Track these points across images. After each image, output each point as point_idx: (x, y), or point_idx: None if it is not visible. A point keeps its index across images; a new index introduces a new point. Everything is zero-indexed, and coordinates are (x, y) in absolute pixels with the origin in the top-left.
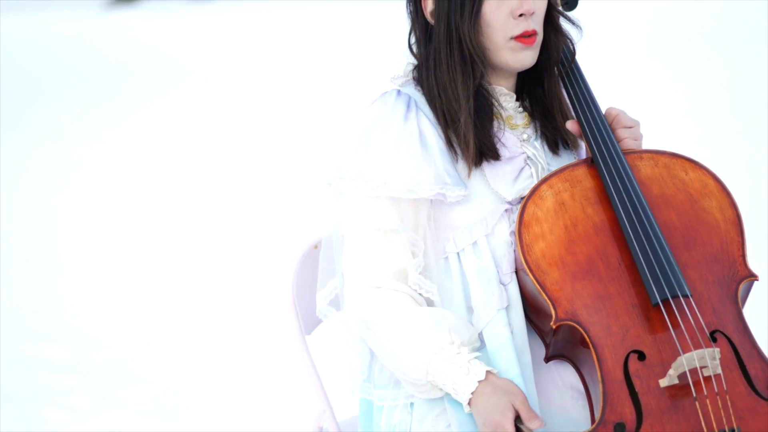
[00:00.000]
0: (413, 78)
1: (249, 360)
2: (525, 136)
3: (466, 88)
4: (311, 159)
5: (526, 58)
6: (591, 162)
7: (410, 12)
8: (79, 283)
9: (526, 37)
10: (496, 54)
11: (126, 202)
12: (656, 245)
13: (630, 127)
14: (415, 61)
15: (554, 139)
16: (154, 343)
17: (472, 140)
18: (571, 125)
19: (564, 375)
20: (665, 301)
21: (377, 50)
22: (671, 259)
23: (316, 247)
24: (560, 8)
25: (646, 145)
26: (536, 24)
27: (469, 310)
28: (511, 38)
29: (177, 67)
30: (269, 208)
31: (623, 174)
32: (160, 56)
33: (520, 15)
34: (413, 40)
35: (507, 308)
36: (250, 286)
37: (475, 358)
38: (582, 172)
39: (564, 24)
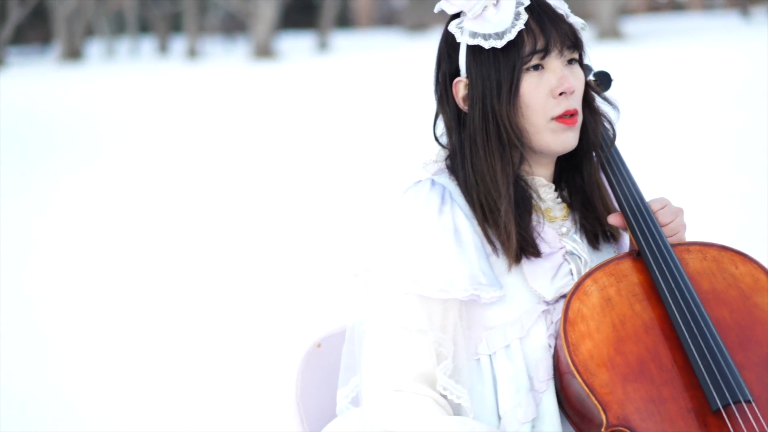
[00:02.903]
0: (447, 166)
1: None
2: (564, 230)
3: (505, 175)
4: (312, 251)
5: (569, 139)
6: (636, 255)
7: (439, 98)
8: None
9: (567, 117)
10: (536, 136)
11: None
12: (713, 346)
13: (673, 221)
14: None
15: (594, 231)
16: None
17: (514, 232)
18: (614, 219)
19: None
20: (726, 407)
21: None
22: (730, 361)
23: (319, 345)
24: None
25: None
26: (576, 103)
27: (500, 417)
28: (552, 119)
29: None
30: (268, 302)
31: (673, 268)
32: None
33: (561, 94)
34: (440, 130)
35: (538, 420)
36: (250, 387)
37: None
38: (627, 266)
39: (601, 105)
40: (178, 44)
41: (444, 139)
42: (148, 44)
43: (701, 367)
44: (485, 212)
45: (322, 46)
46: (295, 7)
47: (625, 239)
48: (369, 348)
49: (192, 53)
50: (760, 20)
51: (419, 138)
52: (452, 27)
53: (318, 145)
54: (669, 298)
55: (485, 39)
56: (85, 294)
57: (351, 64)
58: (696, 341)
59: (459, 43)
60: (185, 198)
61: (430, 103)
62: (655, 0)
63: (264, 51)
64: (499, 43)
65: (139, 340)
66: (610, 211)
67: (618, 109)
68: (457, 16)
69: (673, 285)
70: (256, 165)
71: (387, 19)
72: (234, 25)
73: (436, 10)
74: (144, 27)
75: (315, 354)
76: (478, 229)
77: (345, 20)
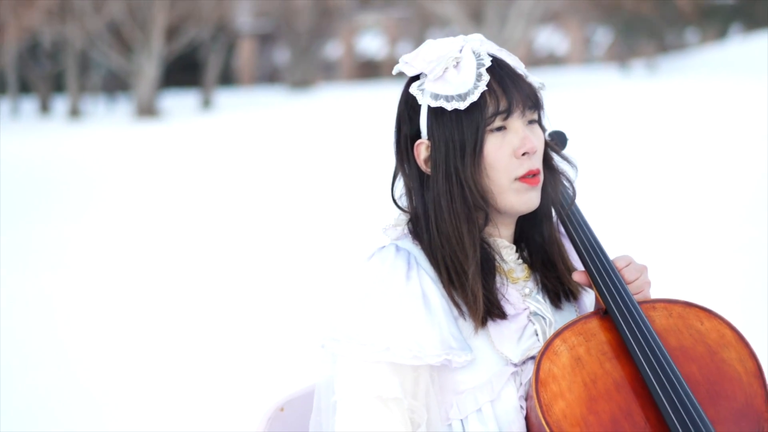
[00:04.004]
0: (409, 231)
1: None
2: (527, 290)
3: (472, 237)
4: (274, 315)
5: (532, 199)
6: (603, 313)
7: (399, 161)
8: None
9: (530, 177)
10: (500, 197)
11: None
12: (687, 402)
13: (638, 278)
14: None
15: (556, 291)
16: None
17: (481, 295)
18: (578, 277)
19: None
20: None
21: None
22: (704, 417)
23: (282, 409)
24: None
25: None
26: (538, 163)
27: None
28: (516, 179)
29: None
30: (228, 365)
31: (642, 326)
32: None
33: (523, 154)
34: (399, 192)
35: None
36: None
37: None
38: (595, 325)
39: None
40: (60, 104)
41: (402, 201)
42: (29, 104)
43: (676, 424)
44: (451, 275)
45: (206, 104)
46: (177, 66)
47: (585, 298)
48: (343, 419)
49: (74, 113)
50: (639, 73)
51: (309, 194)
52: (413, 89)
53: (206, 204)
54: (640, 356)
55: (447, 101)
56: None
57: (235, 122)
58: (669, 398)
59: (420, 105)
60: (84, 262)
61: (317, 158)
62: (534, 54)
63: (147, 110)
64: (462, 105)
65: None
66: (570, 269)
67: (576, 168)
68: (416, 78)
69: (643, 343)
70: (148, 224)
71: (270, 76)
72: (116, 84)
73: (394, 72)
74: (25, 87)
75: (278, 418)
76: (444, 292)
77: (228, 78)
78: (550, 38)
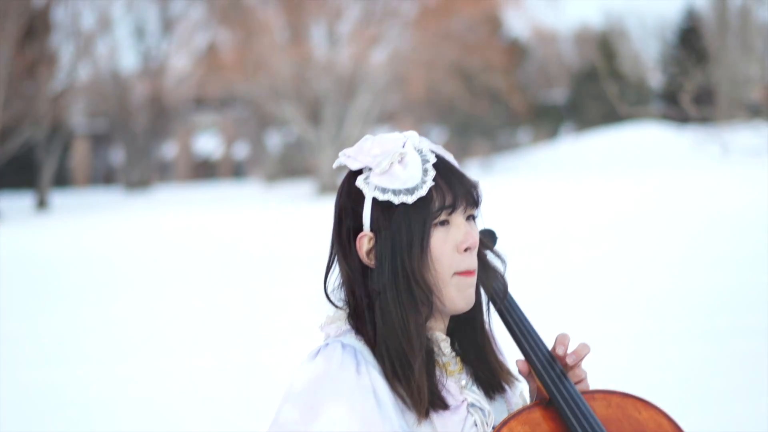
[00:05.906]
0: (351, 326)
1: None
2: (463, 382)
3: (418, 329)
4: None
5: (471, 295)
6: (547, 403)
7: (342, 254)
8: None
9: (470, 273)
10: (443, 291)
11: None
12: None
13: (576, 365)
14: (339, 305)
15: (490, 383)
16: None
17: (426, 388)
18: (521, 366)
19: None
20: None
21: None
22: None
23: None
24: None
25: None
26: (476, 259)
27: None
28: (455, 274)
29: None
30: None
31: (588, 416)
32: None
33: (466, 249)
34: (332, 287)
35: None
36: None
37: None
38: (538, 415)
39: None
40: None
41: (334, 296)
42: None
43: None
44: (396, 367)
45: (41, 205)
46: (11, 167)
47: (510, 390)
48: None
49: None
50: (474, 172)
51: (155, 294)
52: (359, 182)
53: (42, 308)
54: None
55: (395, 194)
56: None
57: (71, 223)
58: None
59: (363, 198)
60: None
61: (158, 259)
62: None
63: None
64: (410, 199)
65: None
66: (500, 363)
67: (505, 262)
68: (359, 171)
69: None
70: None
71: (105, 177)
72: None
73: (335, 166)
74: None
75: None
76: (391, 386)
77: (63, 179)
78: None
